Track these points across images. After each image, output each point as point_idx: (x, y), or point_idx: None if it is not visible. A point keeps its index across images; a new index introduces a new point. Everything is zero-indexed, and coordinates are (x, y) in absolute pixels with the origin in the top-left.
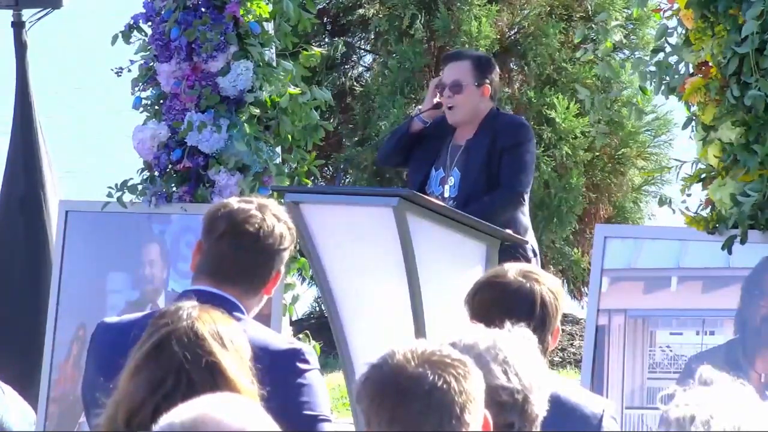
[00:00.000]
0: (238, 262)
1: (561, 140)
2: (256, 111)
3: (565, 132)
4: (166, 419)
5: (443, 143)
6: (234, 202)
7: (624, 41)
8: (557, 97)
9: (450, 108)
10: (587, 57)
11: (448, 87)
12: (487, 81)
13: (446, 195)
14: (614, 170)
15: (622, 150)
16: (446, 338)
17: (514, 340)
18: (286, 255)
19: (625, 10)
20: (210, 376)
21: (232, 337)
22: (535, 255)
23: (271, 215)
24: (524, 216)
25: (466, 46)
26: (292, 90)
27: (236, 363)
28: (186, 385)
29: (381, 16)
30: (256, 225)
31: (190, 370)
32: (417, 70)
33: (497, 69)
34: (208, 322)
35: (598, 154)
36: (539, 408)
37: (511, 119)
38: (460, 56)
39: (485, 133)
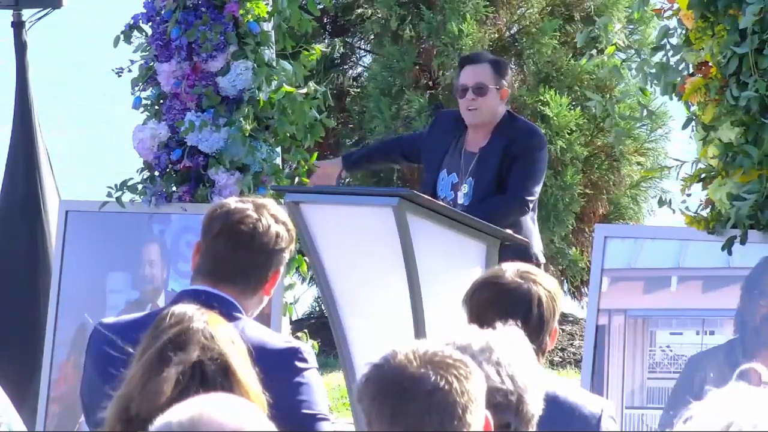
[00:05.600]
0: (234, 261)
1: (556, 135)
2: (255, 110)
3: (560, 127)
4: (163, 419)
5: (453, 146)
6: (232, 202)
7: (626, 41)
8: (550, 95)
9: (471, 110)
10: (593, 62)
11: (471, 89)
12: (506, 84)
13: (459, 201)
14: (611, 167)
15: (619, 146)
16: (440, 339)
17: (507, 341)
18: (284, 255)
19: (627, 9)
20: (224, 377)
21: (240, 341)
22: (540, 264)
23: (268, 215)
24: (531, 222)
25: (448, 46)
26: (288, 87)
27: (246, 366)
28: (200, 381)
29: (379, 15)
30: (251, 225)
31: (205, 368)
32: (407, 71)
33: (510, 72)
34: (219, 324)
35: (595, 151)
36: (534, 407)
37: (526, 126)
38: (479, 59)
39: (499, 139)
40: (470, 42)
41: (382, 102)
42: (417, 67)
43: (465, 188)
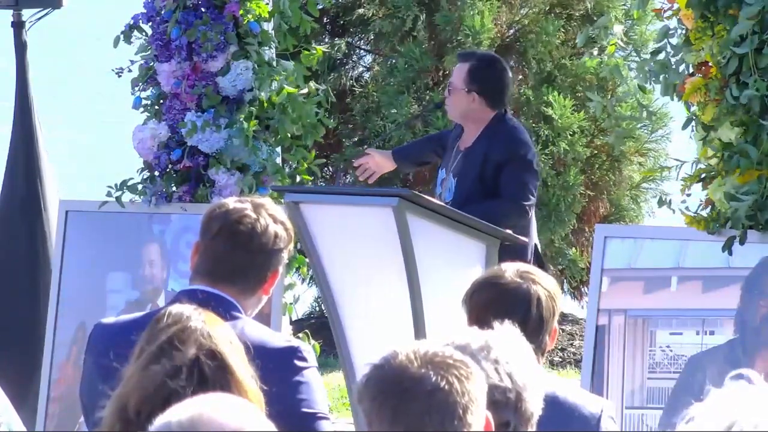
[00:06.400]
0: (233, 261)
1: (559, 137)
2: (255, 110)
3: (563, 128)
4: (162, 419)
5: (455, 144)
6: (231, 202)
7: (623, 39)
8: (553, 96)
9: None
10: (593, 61)
11: (447, 86)
12: (476, 89)
13: (443, 197)
14: (612, 167)
15: (620, 147)
16: (440, 339)
17: (506, 340)
18: (283, 255)
19: (624, 6)
20: (222, 375)
21: (237, 341)
22: (529, 261)
23: (267, 215)
24: (530, 224)
25: (470, 40)
26: (289, 88)
27: (244, 366)
28: (198, 380)
29: (381, 16)
30: (250, 225)
31: (203, 366)
32: (423, 70)
33: (502, 73)
34: (216, 324)
35: (596, 152)
36: (534, 406)
37: (508, 134)
38: (465, 58)
39: (482, 144)
40: (487, 37)
41: (404, 100)
42: (432, 66)
43: (448, 184)
